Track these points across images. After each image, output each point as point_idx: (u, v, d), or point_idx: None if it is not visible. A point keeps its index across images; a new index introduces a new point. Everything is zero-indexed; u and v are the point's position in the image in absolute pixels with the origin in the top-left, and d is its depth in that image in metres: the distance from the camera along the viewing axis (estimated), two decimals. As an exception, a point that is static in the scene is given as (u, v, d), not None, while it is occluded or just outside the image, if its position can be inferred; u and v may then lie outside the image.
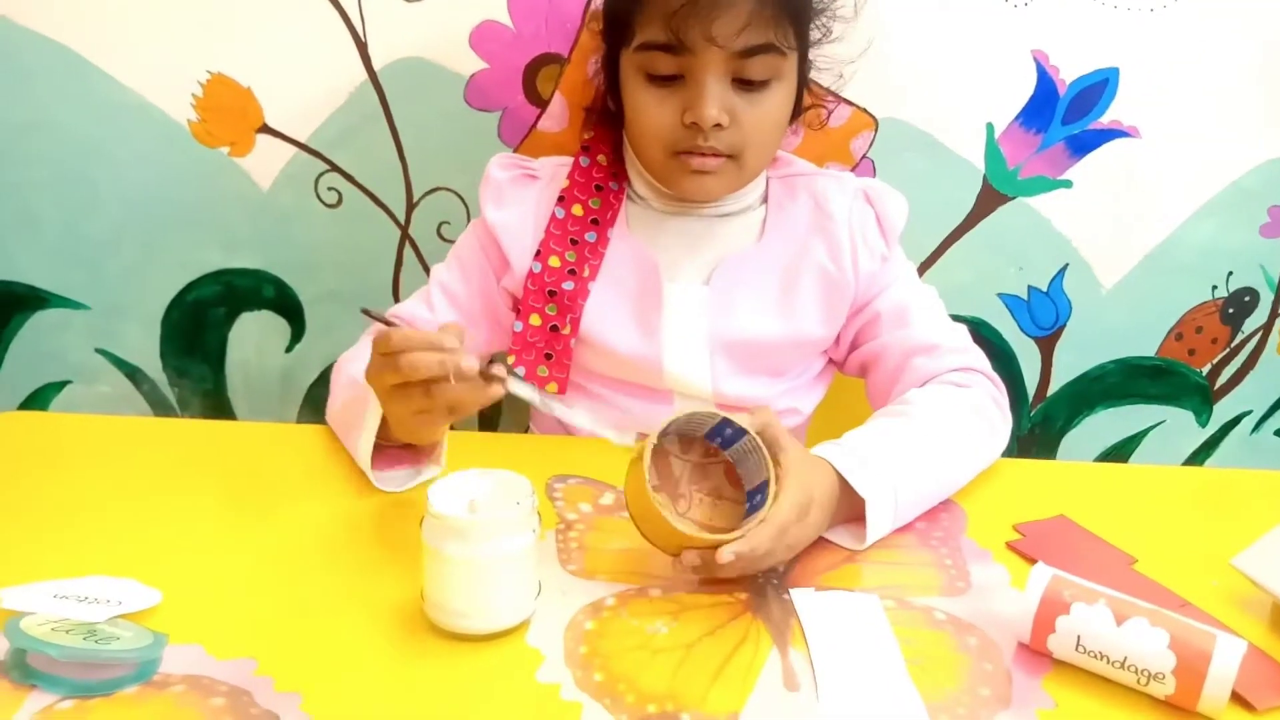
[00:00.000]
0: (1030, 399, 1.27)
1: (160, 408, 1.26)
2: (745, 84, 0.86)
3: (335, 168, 1.15)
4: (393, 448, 0.84)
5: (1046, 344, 1.25)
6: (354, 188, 1.16)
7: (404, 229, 1.18)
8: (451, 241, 1.16)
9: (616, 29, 0.90)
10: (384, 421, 0.80)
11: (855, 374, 1.01)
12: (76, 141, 1.13)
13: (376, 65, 1.10)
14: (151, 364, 1.24)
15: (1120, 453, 1.31)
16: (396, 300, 1.20)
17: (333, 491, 0.83)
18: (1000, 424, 0.91)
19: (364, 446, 0.81)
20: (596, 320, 0.94)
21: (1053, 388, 1.27)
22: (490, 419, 1.26)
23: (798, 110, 0.95)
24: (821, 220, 0.96)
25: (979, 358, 0.95)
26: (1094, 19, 1.10)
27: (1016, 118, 1.14)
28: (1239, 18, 1.11)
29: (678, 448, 0.76)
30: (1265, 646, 0.68)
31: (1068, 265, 1.21)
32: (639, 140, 0.92)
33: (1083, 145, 1.15)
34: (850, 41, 0.98)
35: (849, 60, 1.01)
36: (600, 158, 0.97)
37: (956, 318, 0.99)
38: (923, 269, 1.19)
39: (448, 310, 0.97)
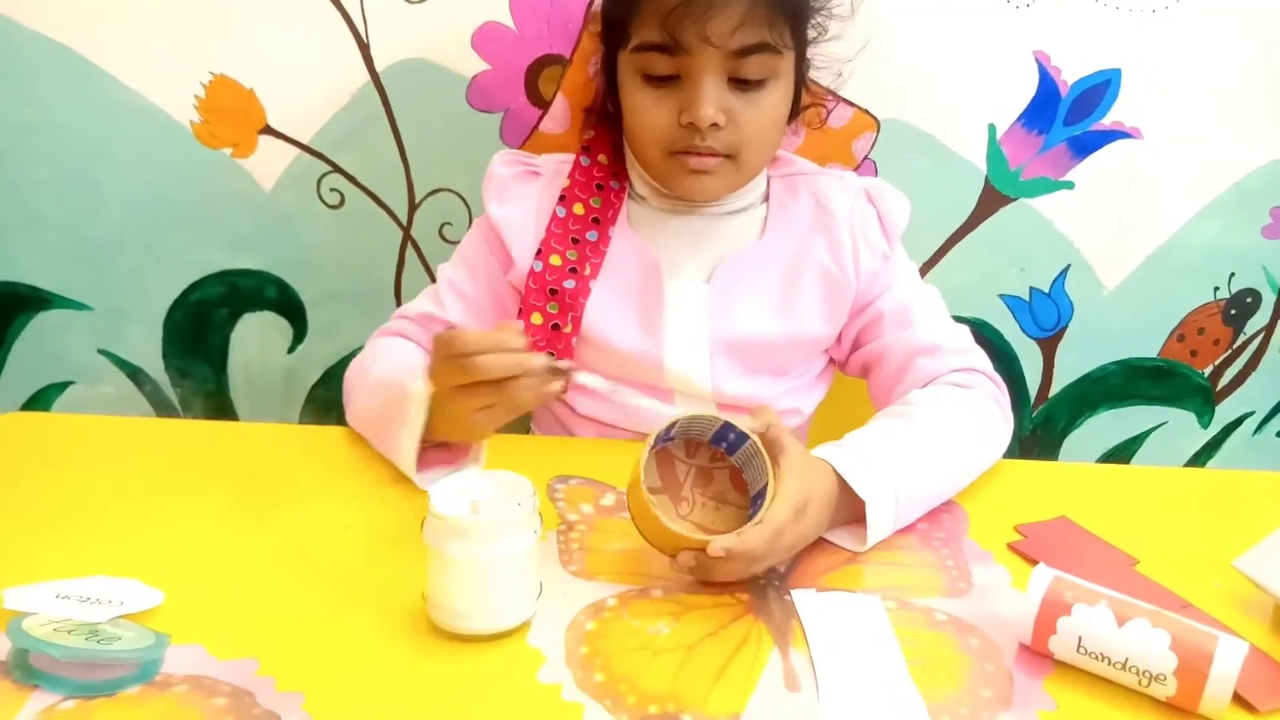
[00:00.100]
0: (1032, 400, 1.27)
1: (162, 408, 1.26)
2: (742, 83, 0.87)
3: (337, 169, 1.15)
4: (428, 449, 0.83)
5: (1048, 345, 1.25)
6: (356, 189, 1.16)
7: (406, 230, 1.18)
8: (453, 242, 1.17)
9: (613, 31, 0.90)
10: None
11: (857, 374, 1.01)
12: (79, 142, 1.13)
13: (379, 66, 1.11)
14: (154, 365, 1.24)
15: (1122, 454, 1.31)
16: (398, 300, 1.20)
17: (335, 492, 0.83)
18: (1002, 425, 0.91)
19: (408, 447, 0.81)
20: (598, 318, 0.94)
21: (1054, 389, 1.27)
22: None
23: (796, 109, 0.95)
24: (823, 219, 0.96)
25: (981, 358, 0.95)
26: (1096, 20, 1.10)
27: (1018, 119, 1.14)
28: (1240, 18, 1.11)
29: (683, 451, 0.76)
30: (1267, 648, 0.68)
31: (1069, 266, 1.21)
32: (637, 141, 0.92)
33: (1085, 146, 1.15)
34: (848, 40, 0.98)
35: (847, 59, 1.01)
36: (601, 157, 0.98)
37: (958, 319, 0.99)
38: (924, 270, 1.19)
39: (458, 308, 0.97)
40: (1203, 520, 0.85)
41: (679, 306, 0.94)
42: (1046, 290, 1.22)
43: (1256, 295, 1.24)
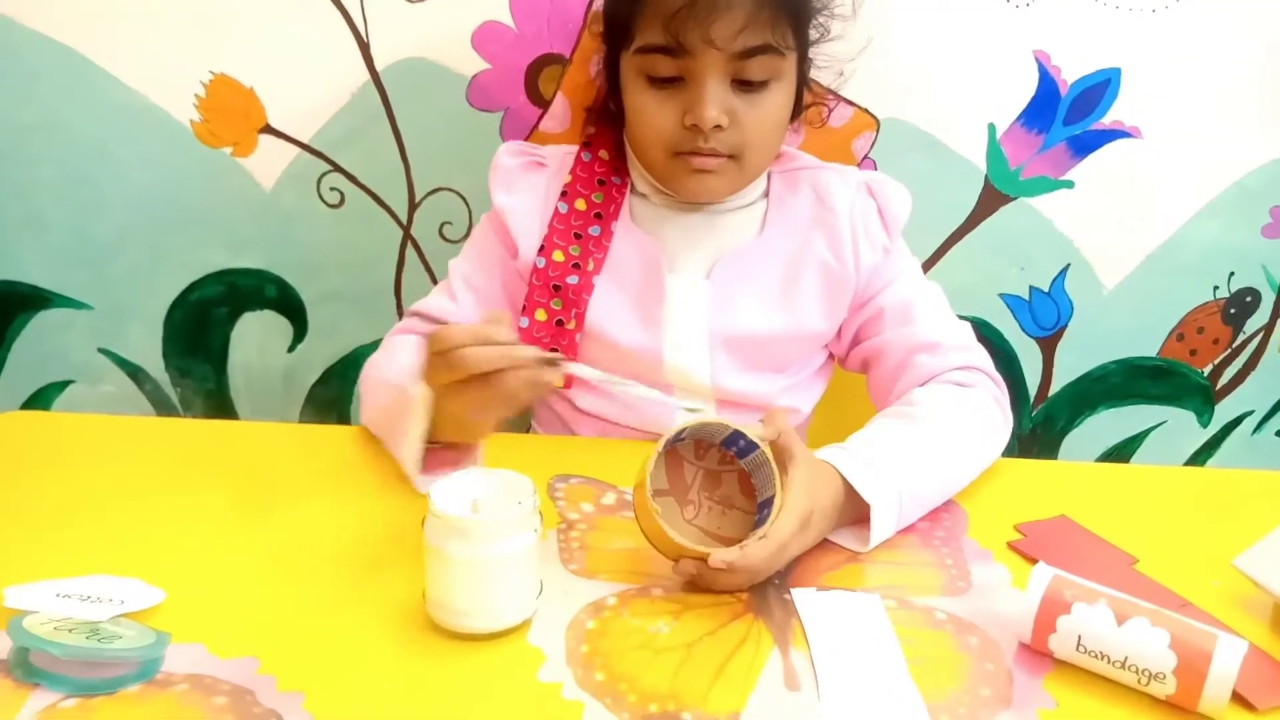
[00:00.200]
0: (1032, 399, 1.27)
1: (163, 407, 1.26)
2: (745, 85, 0.87)
3: (337, 168, 1.15)
4: (433, 451, 0.82)
5: (1048, 344, 1.25)
6: (356, 188, 1.16)
7: (406, 229, 1.18)
8: (454, 241, 1.17)
9: (616, 32, 0.90)
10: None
11: (856, 370, 1.01)
12: (80, 142, 1.14)
13: (379, 66, 1.11)
14: (154, 364, 1.24)
15: (1121, 453, 1.31)
16: (399, 300, 1.21)
17: (335, 491, 0.83)
18: (1002, 424, 0.91)
19: (409, 451, 0.80)
20: (600, 314, 0.94)
21: (1054, 388, 1.27)
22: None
23: (798, 109, 0.95)
24: (823, 213, 0.96)
25: (982, 356, 0.95)
26: (1096, 19, 1.10)
27: (1018, 118, 1.14)
28: (1240, 17, 1.11)
29: (692, 452, 0.75)
30: (1266, 647, 0.68)
31: (1069, 265, 1.21)
32: (640, 142, 0.92)
33: (1084, 145, 1.15)
34: (850, 40, 0.98)
35: (849, 58, 1.01)
36: (602, 153, 0.98)
37: (958, 318, 0.99)
38: (924, 269, 1.18)
39: (471, 300, 0.97)
40: (1202, 519, 0.85)
41: (679, 301, 0.94)
42: (1046, 289, 1.22)
43: (1256, 294, 1.24)
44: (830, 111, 1.08)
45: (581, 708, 0.60)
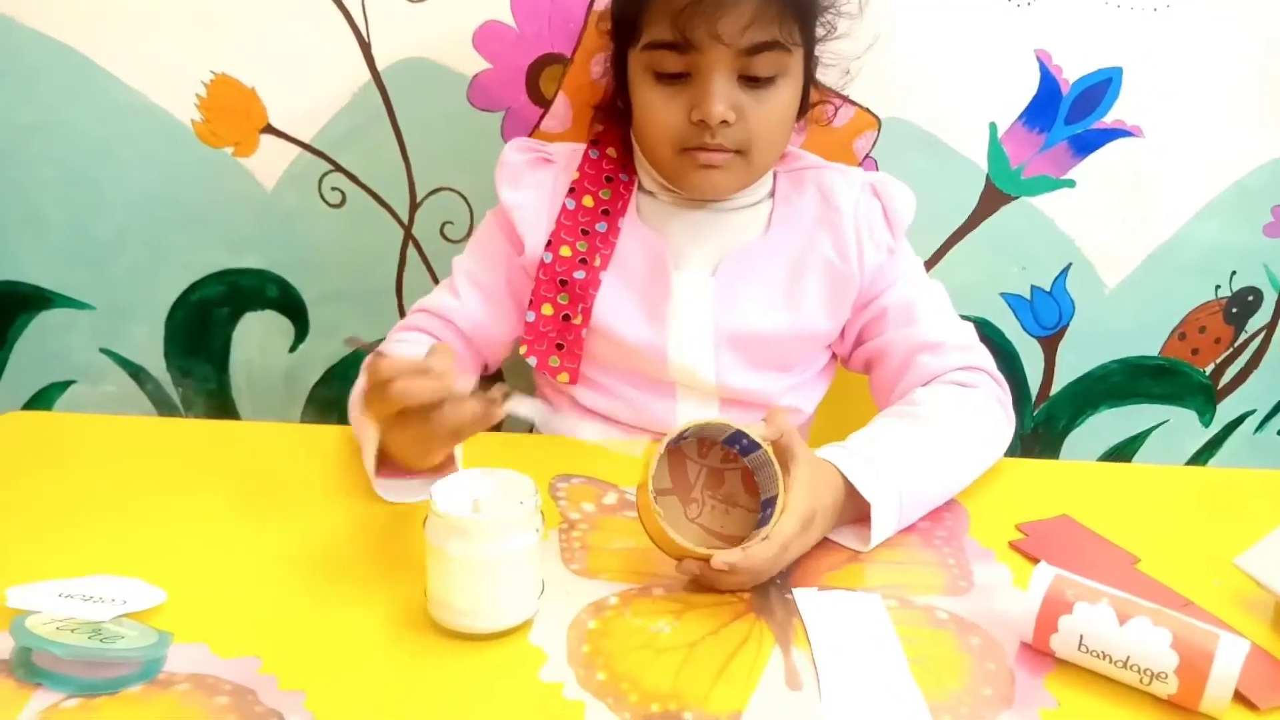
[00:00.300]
0: (1033, 398, 1.27)
1: (164, 407, 1.26)
2: (752, 81, 0.87)
3: (339, 168, 1.15)
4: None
5: (1049, 343, 1.25)
6: (357, 188, 1.16)
7: (407, 229, 1.18)
8: (455, 241, 1.17)
9: (624, 28, 0.90)
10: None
11: (859, 370, 1.01)
12: (81, 142, 1.14)
13: (380, 65, 1.11)
14: (156, 364, 1.24)
15: (1123, 452, 1.31)
16: (400, 299, 1.21)
17: (336, 491, 0.83)
18: (1004, 424, 0.91)
19: (368, 465, 0.81)
20: (606, 310, 0.94)
21: (1056, 387, 1.27)
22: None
23: (804, 107, 0.96)
24: (828, 213, 0.96)
25: (984, 356, 0.95)
26: (1097, 18, 1.10)
27: (1019, 117, 1.14)
28: (1241, 16, 1.11)
29: (695, 451, 0.75)
30: (1268, 646, 0.68)
31: (1071, 265, 1.21)
32: (647, 139, 0.92)
33: (1086, 145, 1.15)
34: (855, 38, 0.98)
35: (855, 57, 1.01)
36: (610, 150, 0.98)
37: (959, 317, 0.99)
38: (926, 268, 1.18)
39: (475, 296, 0.97)
40: (1204, 518, 0.85)
41: (685, 298, 0.94)
42: (1048, 289, 1.22)
43: (1258, 293, 1.24)
44: (836, 110, 1.08)
45: (583, 707, 0.60)
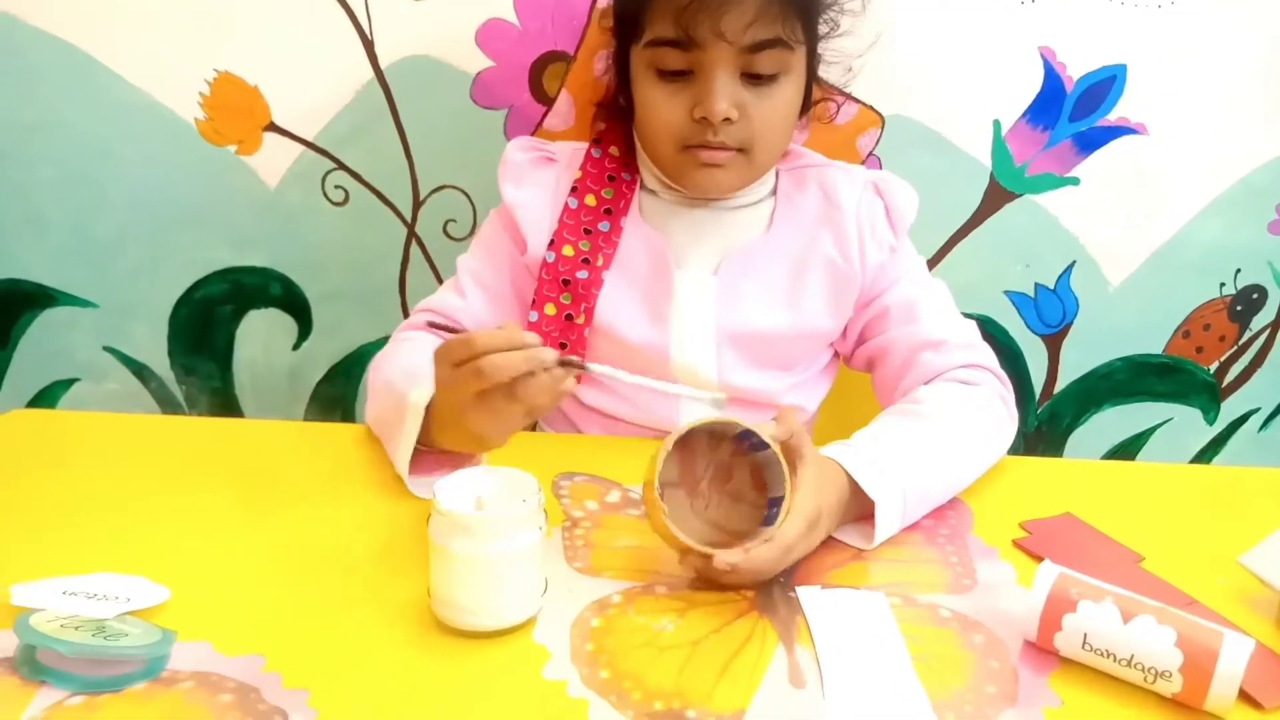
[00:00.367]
0: (1037, 396, 1.27)
1: (168, 405, 1.26)
2: (754, 78, 0.87)
3: (342, 166, 1.15)
4: (433, 453, 0.82)
5: (1053, 341, 1.25)
6: (361, 186, 1.16)
7: (410, 227, 1.18)
8: (458, 239, 1.17)
9: (626, 25, 0.90)
10: (424, 426, 0.78)
11: (861, 368, 1.01)
12: (83, 140, 1.14)
13: (383, 63, 1.11)
14: (159, 362, 1.24)
15: (1127, 450, 1.31)
16: (403, 298, 1.21)
17: (340, 489, 0.83)
18: (1007, 422, 0.91)
19: (402, 458, 0.80)
20: (609, 309, 0.94)
21: (1060, 385, 1.27)
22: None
23: (807, 104, 0.95)
24: (830, 212, 0.96)
25: (986, 354, 0.95)
26: (1101, 15, 1.10)
27: (1023, 115, 1.14)
28: (1246, 13, 1.11)
29: (705, 445, 0.75)
30: (1272, 644, 0.68)
31: (1075, 263, 1.21)
32: (649, 136, 0.92)
33: (1090, 142, 1.15)
34: (858, 35, 0.98)
35: (857, 54, 1.01)
36: (612, 149, 0.98)
37: (963, 315, 0.99)
38: (929, 266, 1.18)
39: (479, 296, 0.97)
40: (1208, 517, 0.84)
41: (687, 297, 0.94)
42: (1052, 286, 1.22)
43: (1262, 291, 1.24)
44: (839, 108, 1.07)
45: (586, 705, 0.60)
